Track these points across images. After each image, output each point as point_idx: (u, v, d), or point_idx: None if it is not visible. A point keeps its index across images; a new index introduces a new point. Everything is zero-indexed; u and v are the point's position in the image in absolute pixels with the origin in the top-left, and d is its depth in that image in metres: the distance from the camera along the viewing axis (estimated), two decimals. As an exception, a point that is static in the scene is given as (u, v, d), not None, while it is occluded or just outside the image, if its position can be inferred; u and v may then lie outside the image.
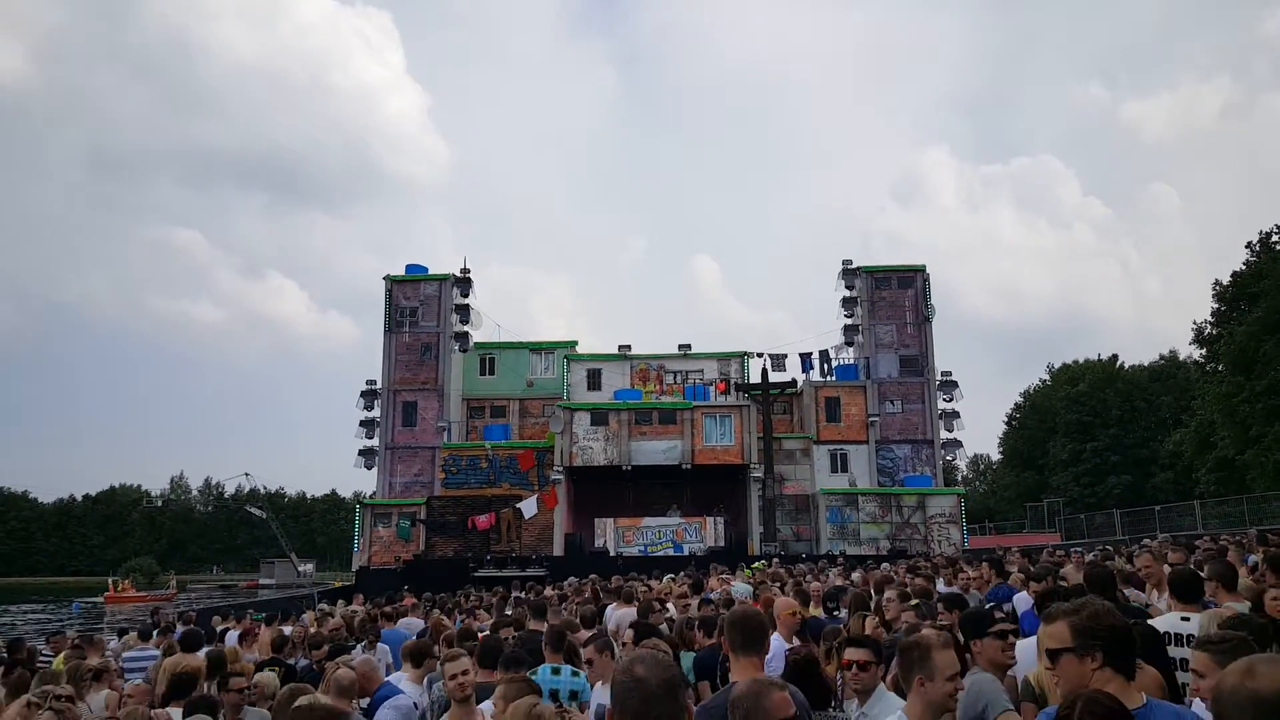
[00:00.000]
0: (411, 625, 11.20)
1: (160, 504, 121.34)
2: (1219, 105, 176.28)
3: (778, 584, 11.53)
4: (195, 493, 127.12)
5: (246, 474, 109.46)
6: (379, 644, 9.27)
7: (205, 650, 8.87)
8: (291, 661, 8.83)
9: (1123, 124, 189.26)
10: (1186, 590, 5.06)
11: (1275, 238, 40.89)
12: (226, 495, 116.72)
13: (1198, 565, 8.43)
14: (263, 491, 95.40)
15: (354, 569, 38.43)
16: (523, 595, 14.78)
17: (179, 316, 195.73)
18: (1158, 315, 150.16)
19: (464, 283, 42.99)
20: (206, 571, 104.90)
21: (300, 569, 63.81)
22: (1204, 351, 45.90)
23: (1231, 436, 40.47)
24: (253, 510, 77.17)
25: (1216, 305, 43.51)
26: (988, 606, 7.88)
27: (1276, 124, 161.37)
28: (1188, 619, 4.77)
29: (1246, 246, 42.37)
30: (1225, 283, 42.96)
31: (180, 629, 11.38)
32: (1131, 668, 2.86)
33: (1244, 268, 42.12)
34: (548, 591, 15.67)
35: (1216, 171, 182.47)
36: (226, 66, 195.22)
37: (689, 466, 36.86)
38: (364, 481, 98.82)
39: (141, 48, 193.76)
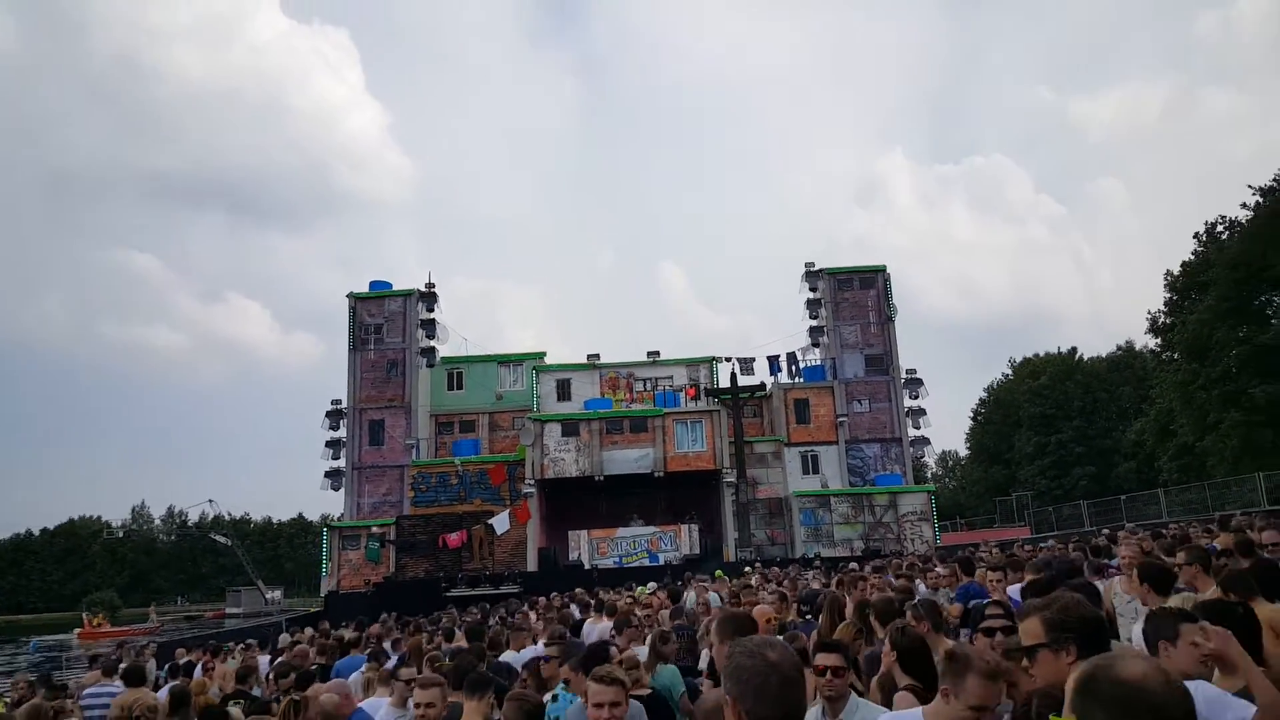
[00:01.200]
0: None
1: (121, 535, 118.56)
2: (1161, 102, 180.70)
3: (765, 586, 11.57)
4: (158, 522, 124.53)
5: (210, 501, 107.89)
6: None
7: (170, 685, 8.63)
8: (256, 692, 8.63)
9: (1071, 123, 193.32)
10: (1160, 583, 5.12)
11: (1220, 228, 41.86)
12: (190, 524, 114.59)
13: (1168, 552, 8.53)
14: (227, 518, 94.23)
15: (323, 594, 37.79)
16: (485, 617, 14.62)
17: (136, 342, 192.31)
18: (1112, 307, 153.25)
19: (429, 297, 42.69)
20: (171, 602, 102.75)
21: (268, 596, 62.80)
22: (1159, 341, 46.75)
23: (1190, 423, 41.19)
24: (218, 538, 76.01)
25: (1169, 295, 44.37)
26: (954, 604, 7.97)
27: (1215, 118, 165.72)
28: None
29: (1194, 237, 43.40)
30: (1176, 273, 43.87)
31: (125, 664, 11.01)
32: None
33: (1193, 258, 43.04)
34: (525, 610, 15.55)
35: (1161, 166, 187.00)
36: (181, 87, 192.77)
37: (662, 474, 36.79)
38: (331, 504, 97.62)
39: (94, 70, 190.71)
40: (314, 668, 9.22)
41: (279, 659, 10.78)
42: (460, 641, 9.62)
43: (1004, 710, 3.39)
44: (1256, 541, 7.63)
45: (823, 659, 4.05)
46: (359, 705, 6.23)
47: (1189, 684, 1.99)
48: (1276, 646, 4.18)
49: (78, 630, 56.01)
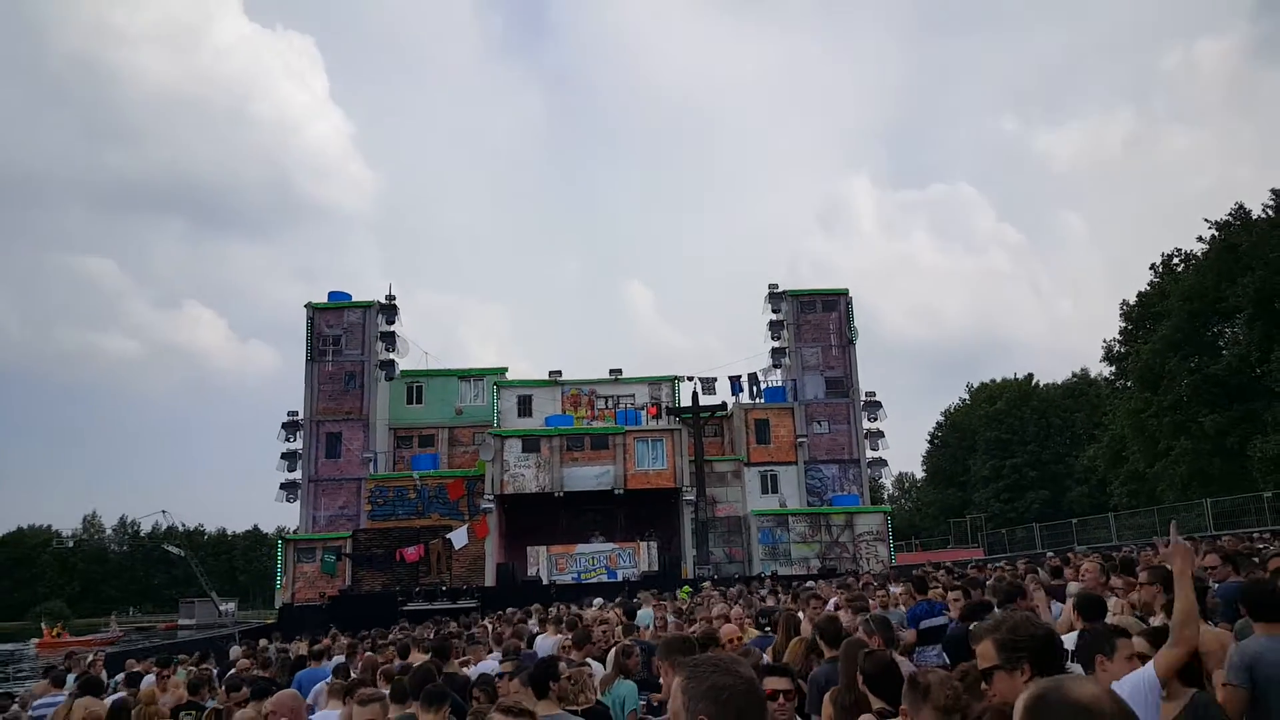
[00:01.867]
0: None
1: (72, 544, 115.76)
2: (1122, 136, 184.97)
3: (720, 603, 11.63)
4: (109, 532, 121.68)
5: (163, 511, 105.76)
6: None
7: (114, 697, 8.50)
8: (209, 704, 8.51)
9: (1034, 154, 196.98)
10: (1092, 610, 5.31)
11: (1176, 260, 42.90)
12: (142, 534, 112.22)
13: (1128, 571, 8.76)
14: (181, 529, 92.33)
15: (277, 606, 37.21)
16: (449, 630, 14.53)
17: (88, 348, 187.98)
18: (1069, 335, 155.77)
19: (389, 310, 42.36)
20: (124, 613, 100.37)
21: (221, 608, 61.64)
22: (1113, 369, 47.74)
23: (1141, 450, 42.00)
24: (170, 549, 74.37)
25: (1124, 324, 45.35)
26: (907, 624, 8.11)
27: (1174, 154, 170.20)
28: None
29: (1150, 268, 44.46)
30: (1131, 303, 44.88)
31: (74, 674, 10.83)
32: (1061, 674, 2.92)
33: (1148, 288, 44.04)
34: (483, 624, 15.48)
35: (1121, 199, 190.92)
36: (141, 91, 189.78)
37: (621, 491, 36.77)
38: (287, 516, 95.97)
39: (51, 70, 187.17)
40: (260, 679, 9.14)
41: (230, 672, 10.66)
42: (415, 658, 9.56)
43: None
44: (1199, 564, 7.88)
45: (772, 682, 4.04)
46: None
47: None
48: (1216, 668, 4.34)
49: (36, 641, 54.49)
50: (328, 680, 8.76)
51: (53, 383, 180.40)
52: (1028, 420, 60.32)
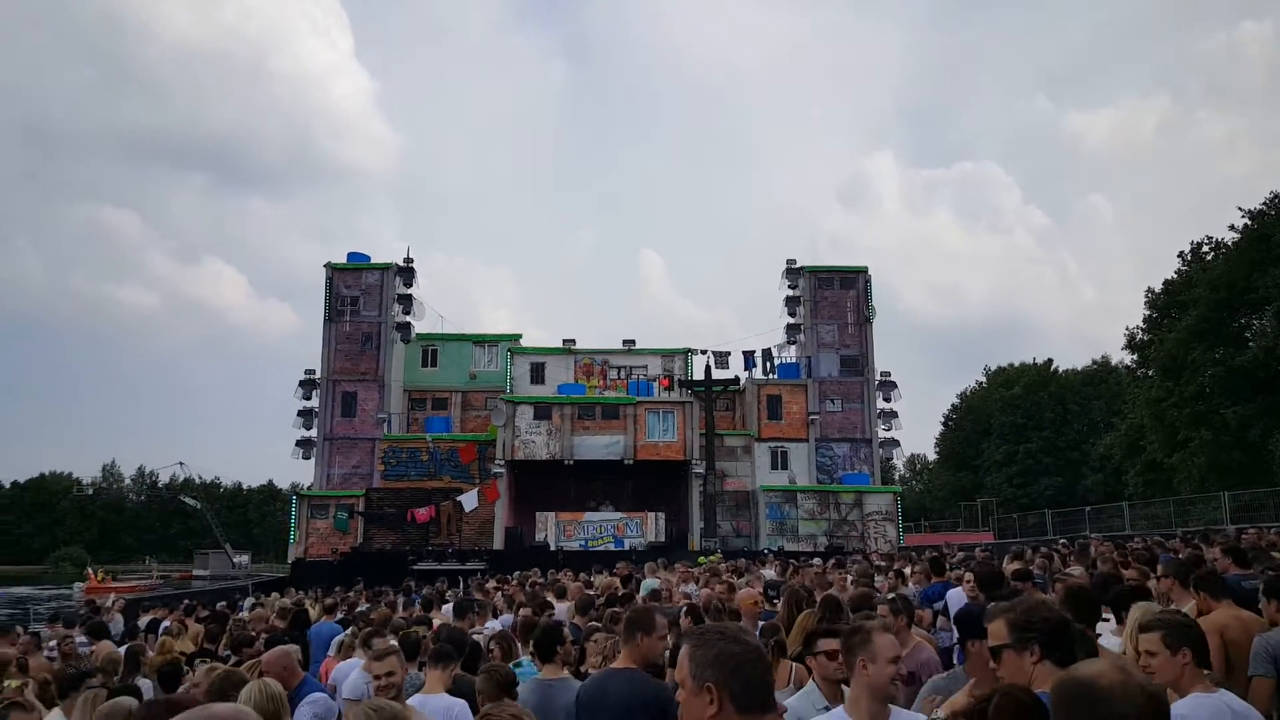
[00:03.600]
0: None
1: (91, 493, 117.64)
2: (1156, 121, 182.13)
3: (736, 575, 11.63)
4: (128, 482, 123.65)
5: (181, 463, 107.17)
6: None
7: (128, 645, 8.63)
8: (227, 653, 8.61)
9: (1065, 136, 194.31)
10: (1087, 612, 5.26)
11: (1206, 248, 42.23)
12: (160, 485, 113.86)
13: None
14: (197, 481, 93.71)
15: (290, 561, 37.71)
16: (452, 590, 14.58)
17: (108, 298, 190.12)
18: (1092, 321, 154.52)
19: (407, 272, 42.44)
20: (139, 562, 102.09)
21: (235, 560, 62.63)
22: (1135, 357, 47.25)
23: (1159, 440, 41.73)
24: (187, 500, 75.55)
25: (1148, 312, 44.81)
26: (918, 603, 8.06)
27: (1208, 141, 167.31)
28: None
29: (1179, 256, 43.76)
30: (1157, 290, 44.31)
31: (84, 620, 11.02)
32: (1070, 658, 2.93)
33: (1175, 276, 43.46)
34: (491, 585, 15.54)
35: (1152, 182, 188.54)
36: (166, 45, 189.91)
37: (631, 462, 36.86)
38: (301, 472, 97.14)
39: (79, 24, 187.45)
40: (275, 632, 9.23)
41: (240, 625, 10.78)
42: (436, 615, 9.66)
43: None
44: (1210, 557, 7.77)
45: (827, 643, 4.14)
46: (307, 675, 6.15)
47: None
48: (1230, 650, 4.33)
49: (82, 585, 55.37)
50: (348, 631, 8.95)
51: (74, 331, 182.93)
52: (1045, 406, 59.94)
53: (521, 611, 8.77)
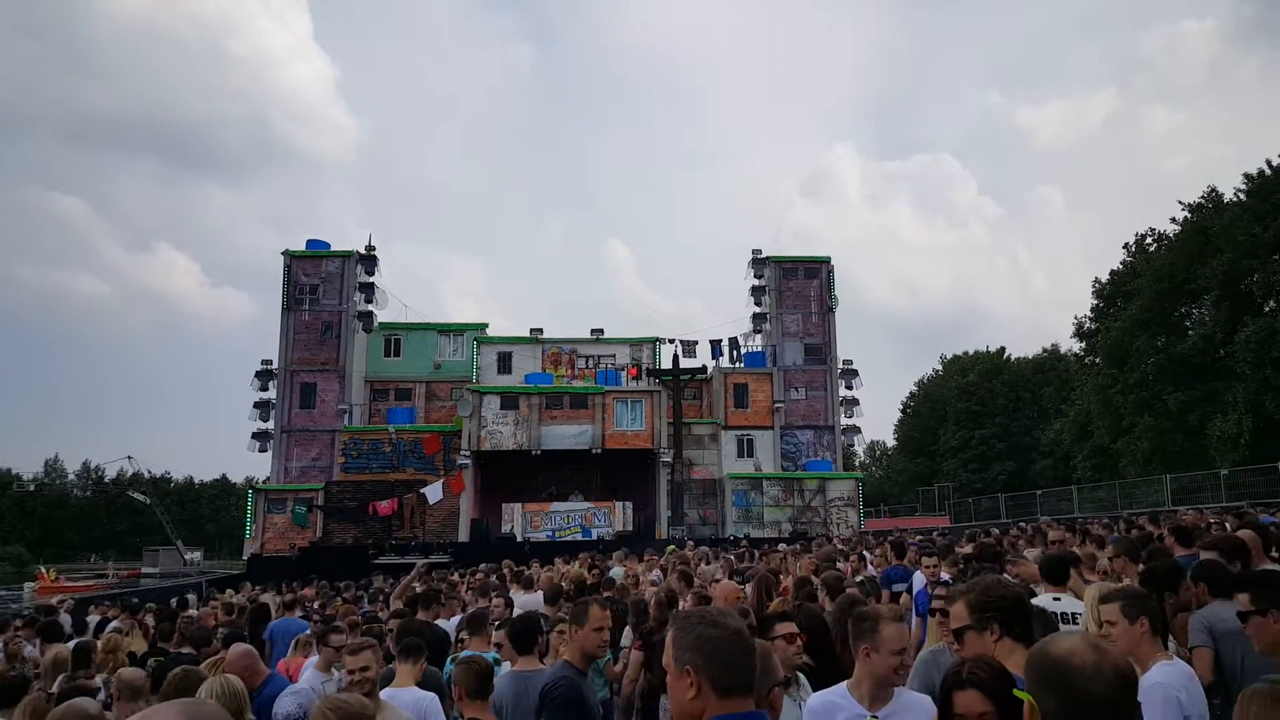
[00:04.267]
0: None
1: (33, 488, 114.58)
2: (1104, 114, 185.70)
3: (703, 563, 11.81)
4: (72, 477, 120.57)
5: (129, 457, 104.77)
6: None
7: (76, 641, 8.50)
8: (185, 650, 8.52)
9: (1017, 128, 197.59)
10: (1055, 573, 5.49)
11: (1149, 240, 43.37)
12: (107, 480, 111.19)
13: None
14: (147, 476, 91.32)
15: (245, 557, 37.14)
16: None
17: (56, 287, 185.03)
18: (1043, 310, 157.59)
19: (369, 260, 41.84)
20: (84, 560, 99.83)
21: (187, 557, 61.51)
22: (1083, 345, 48.37)
23: (1106, 426, 42.77)
24: (136, 496, 73.92)
25: (1096, 302, 45.92)
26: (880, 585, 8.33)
27: (1153, 134, 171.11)
28: (1059, 599, 5.16)
29: (1124, 247, 44.92)
30: (1104, 281, 45.38)
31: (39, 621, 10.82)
32: (1030, 635, 3.00)
33: (1121, 267, 44.56)
34: (453, 577, 15.58)
35: (1099, 177, 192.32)
36: (117, 25, 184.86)
37: (599, 451, 36.90)
38: (258, 466, 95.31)
39: (24, 1, 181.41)
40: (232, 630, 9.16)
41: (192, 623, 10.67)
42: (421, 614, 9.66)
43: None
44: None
45: (784, 627, 4.17)
46: (272, 671, 6.10)
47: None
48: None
49: (34, 586, 53.96)
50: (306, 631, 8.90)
51: (16, 321, 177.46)
52: (998, 393, 61.06)
53: (496, 602, 8.84)
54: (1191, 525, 10.97)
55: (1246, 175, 37.72)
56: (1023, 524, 22.99)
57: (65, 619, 14.25)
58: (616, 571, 13.00)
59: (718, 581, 8.57)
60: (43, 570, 57.21)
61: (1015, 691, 2.13)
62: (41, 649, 8.90)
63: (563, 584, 10.31)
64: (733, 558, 15.15)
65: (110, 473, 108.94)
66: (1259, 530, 6.54)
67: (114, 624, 12.70)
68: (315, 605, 13.70)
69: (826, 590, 5.95)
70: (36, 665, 8.44)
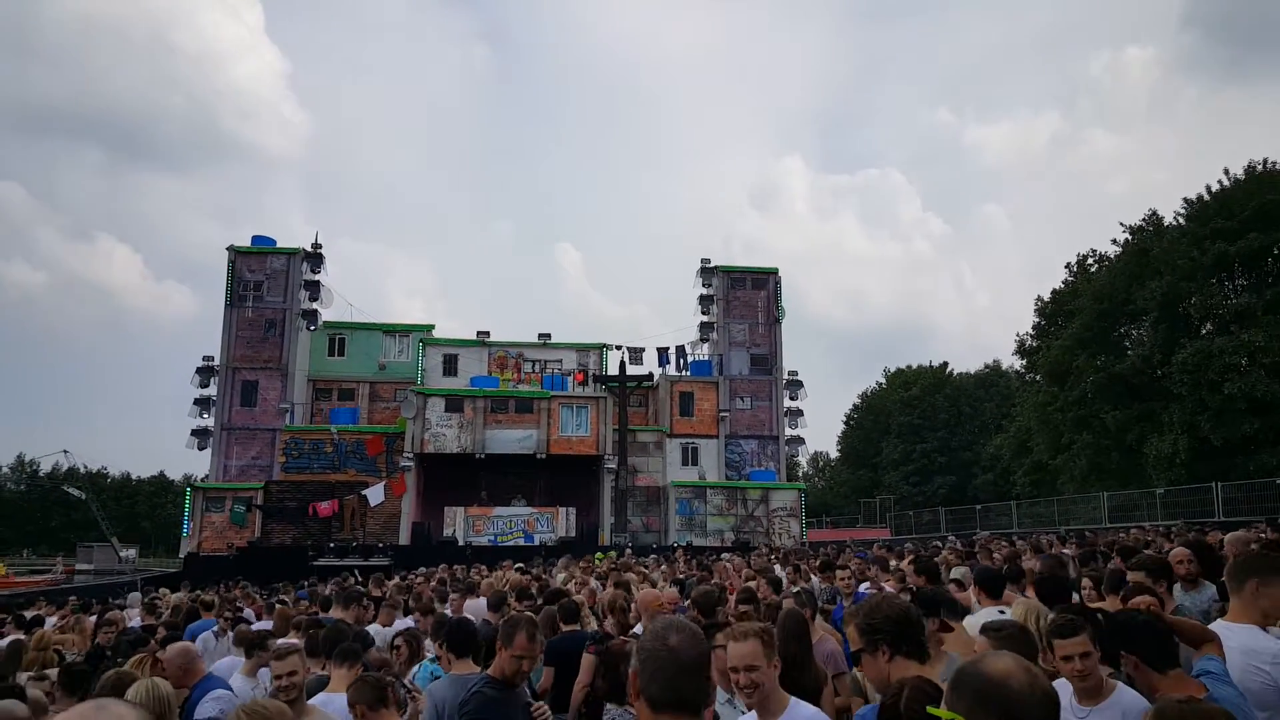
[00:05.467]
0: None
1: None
2: (1048, 136, 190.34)
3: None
4: (5, 470, 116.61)
5: (65, 451, 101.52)
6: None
7: (10, 639, 8.30)
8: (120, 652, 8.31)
9: (964, 146, 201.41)
10: (993, 587, 5.59)
11: (1091, 260, 44.55)
12: (41, 474, 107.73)
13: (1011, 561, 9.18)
14: (82, 471, 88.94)
15: (182, 555, 36.30)
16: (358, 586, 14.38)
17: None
18: (985, 326, 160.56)
19: (315, 258, 41.24)
20: (15, 555, 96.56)
21: (122, 554, 59.86)
22: (1024, 362, 49.43)
23: (1045, 442, 43.69)
24: (71, 490, 71.93)
25: (1037, 320, 46.97)
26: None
27: (1096, 157, 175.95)
28: (1004, 611, 5.25)
29: (1065, 267, 46.11)
30: (1046, 299, 46.48)
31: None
32: (922, 650, 2.99)
33: (1063, 286, 45.66)
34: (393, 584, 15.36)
35: (1043, 197, 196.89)
36: (66, 11, 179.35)
37: (544, 456, 36.75)
38: (196, 464, 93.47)
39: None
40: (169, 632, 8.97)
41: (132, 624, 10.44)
42: (338, 613, 9.49)
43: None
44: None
45: (726, 636, 4.12)
46: (209, 672, 6.04)
47: None
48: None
49: None
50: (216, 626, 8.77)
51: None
52: (940, 407, 62.16)
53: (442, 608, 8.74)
54: (1135, 543, 11.32)
55: (1186, 200, 39.01)
56: (954, 539, 23.41)
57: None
58: (560, 578, 12.96)
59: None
60: None
61: (930, 709, 2.12)
62: None
63: (505, 590, 10.23)
64: (680, 565, 15.22)
65: (45, 466, 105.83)
66: (1199, 548, 6.53)
67: (51, 621, 12.41)
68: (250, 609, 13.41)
69: (770, 585, 5.97)
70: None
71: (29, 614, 14.35)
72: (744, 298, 43.03)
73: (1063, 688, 3.44)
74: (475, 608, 9.25)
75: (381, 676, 4.68)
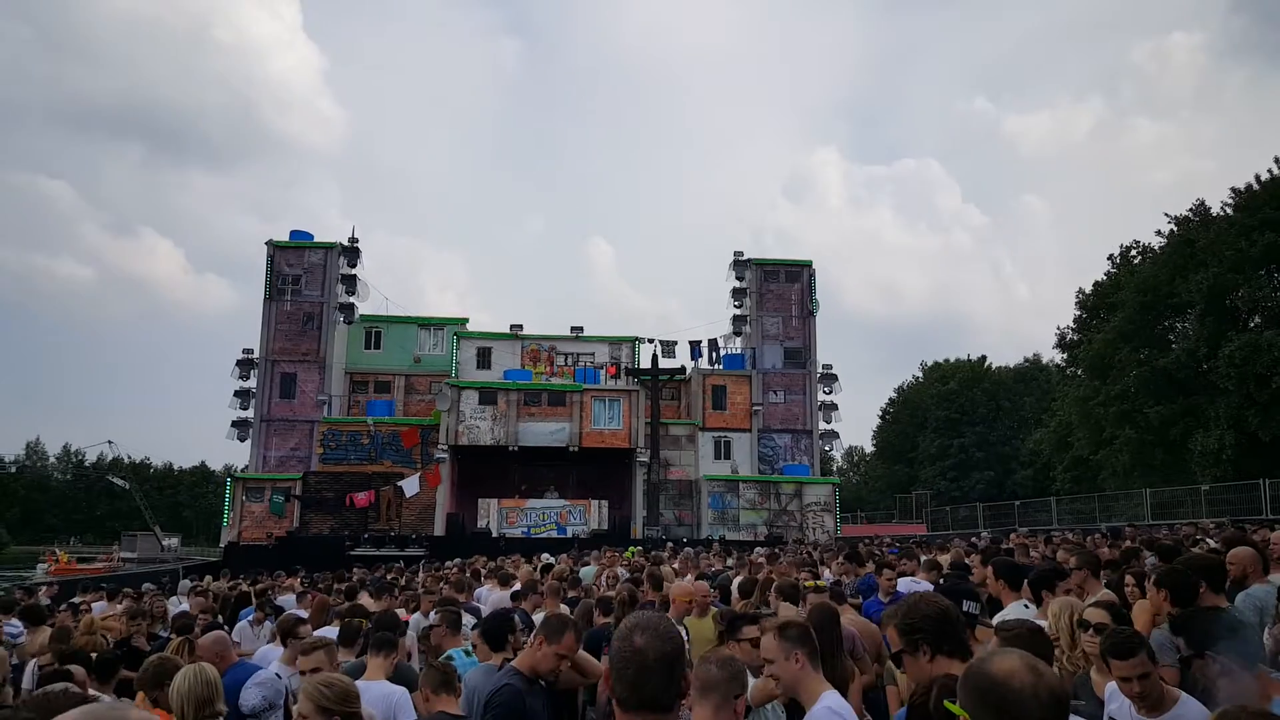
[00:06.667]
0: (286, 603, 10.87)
1: (14, 470, 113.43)
2: (1090, 124, 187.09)
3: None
4: (53, 460, 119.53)
5: (109, 442, 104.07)
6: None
7: (52, 623, 8.50)
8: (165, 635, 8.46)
9: (1004, 135, 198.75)
10: (1014, 580, 5.51)
11: (1134, 252, 43.64)
12: (87, 464, 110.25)
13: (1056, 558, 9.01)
14: (126, 461, 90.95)
15: (222, 544, 36.94)
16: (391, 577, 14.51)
17: (39, 270, 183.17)
18: (1025, 320, 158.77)
19: (351, 252, 41.67)
20: (63, 543, 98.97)
21: (164, 543, 61.15)
22: (1065, 356, 48.59)
23: (1086, 437, 42.93)
24: (115, 480, 73.41)
25: (1079, 313, 46.13)
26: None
27: (1139, 146, 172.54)
28: (1028, 606, 5.18)
29: (1108, 258, 45.18)
30: (1087, 291, 45.63)
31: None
32: (964, 648, 2.95)
33: (1105, 278, 44.77)
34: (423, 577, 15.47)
35: (1084, 187, 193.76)
36: (109, 12, 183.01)
37: (576, 449, 36.86)
38: (236, 454, 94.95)
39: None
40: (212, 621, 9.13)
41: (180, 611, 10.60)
42: (365, 601, 9.56)
43: None
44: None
45: (750, 630, 4.17)
46: (240, 659, 6.10)
47: None
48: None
49: (45, 568, 53.42)
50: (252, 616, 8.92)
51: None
52: (978, 401, 61.40)
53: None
54: (1176, 541, 11.03)
55: (1234, 190, 38.00)
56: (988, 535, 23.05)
57: (45, 602, 14.14)
58: (587, 572, 12.93)
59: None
60: (54, 553, 56.81)
61: (947, 704, 2.10)
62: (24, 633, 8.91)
63: (538, 579, 10.24)
64: (712, 559, 15.17)
65: (91, 457, 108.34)
66: (1256, 547, 6.28)
67: (100, 606, 12.65)
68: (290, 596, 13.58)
69: (781, 595, 5.90)
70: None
71: (81, 601, 14.67)
72: (777, 290, 42.75)
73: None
74: (506, 599, 9.27)
75: (448, 664, 4.73)
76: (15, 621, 9.62)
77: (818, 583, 6.96)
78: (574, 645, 4.27)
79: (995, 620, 4.77)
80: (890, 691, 4.50)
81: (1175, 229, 40.24)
